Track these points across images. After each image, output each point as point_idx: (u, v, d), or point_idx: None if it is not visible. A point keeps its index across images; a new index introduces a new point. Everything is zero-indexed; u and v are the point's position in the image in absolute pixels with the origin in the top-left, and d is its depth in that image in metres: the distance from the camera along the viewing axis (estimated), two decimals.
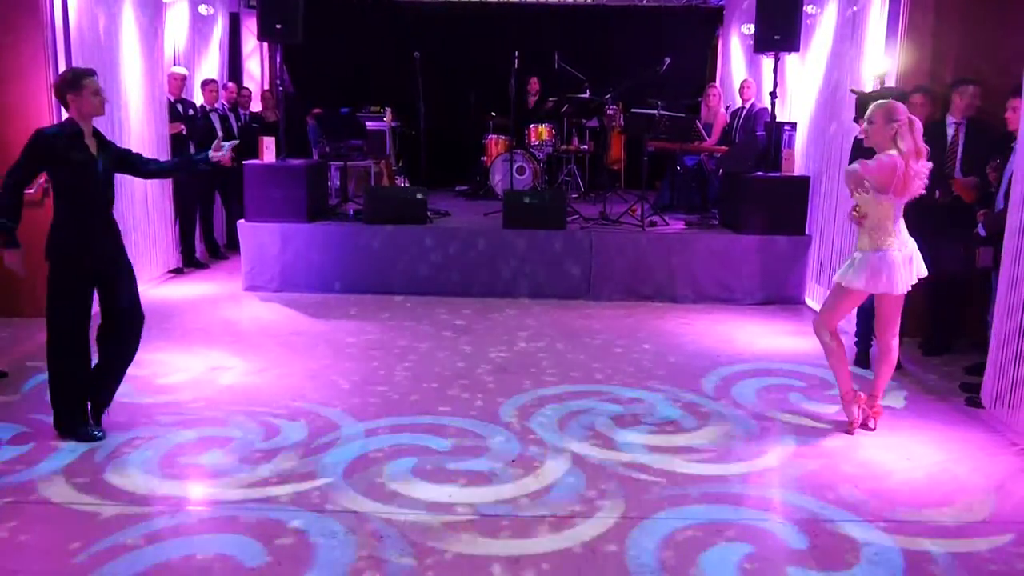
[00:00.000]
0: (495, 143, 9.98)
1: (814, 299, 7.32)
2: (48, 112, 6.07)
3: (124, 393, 4.75)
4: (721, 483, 3.82)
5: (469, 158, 10.75)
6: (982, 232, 5.12)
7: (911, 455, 4.17)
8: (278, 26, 7.13)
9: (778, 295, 7.32)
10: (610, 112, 9.48)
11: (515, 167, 9.36)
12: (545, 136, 9.53)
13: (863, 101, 5.36)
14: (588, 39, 11.48)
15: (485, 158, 10.10)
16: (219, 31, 9.62)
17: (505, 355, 5.66)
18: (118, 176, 4.22)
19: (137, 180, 7.25)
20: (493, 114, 10.39)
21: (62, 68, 6.85)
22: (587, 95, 9.63)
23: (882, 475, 3.94)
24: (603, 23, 11.79)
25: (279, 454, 4.02)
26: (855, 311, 5.39)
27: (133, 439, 4.14)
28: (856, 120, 5.40)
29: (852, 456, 4.14)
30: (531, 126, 9.63)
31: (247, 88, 9.98)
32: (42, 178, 6.04)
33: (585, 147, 10.34)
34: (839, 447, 4.25)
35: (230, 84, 9.41)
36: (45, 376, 4.96)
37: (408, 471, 3.85)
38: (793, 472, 3.96)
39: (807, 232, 7.37)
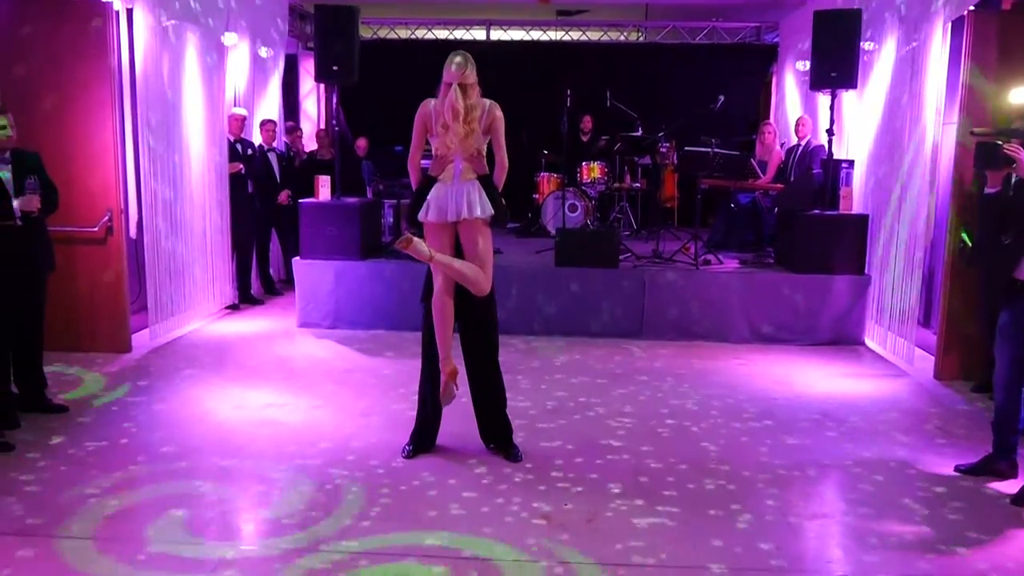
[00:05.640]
0: (547, 181, 10.00)
1: (874, 340, 7.12)
2: (113, 153, 6.25)
3: (178, 432, 4.82)
4: (783, 533, 3.69)
5: (521, 195, 10.78)
6: None
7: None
8: (335, 68, 7.29)
9: (836, 336, 7.12)
10: (663, 150, 9.44)
11: (567, 205, 9.35)
12: (597, 174, 9.50)
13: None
14: (641, 77, 11.48)
15: (537, 195, 10.12)
16: (278, 73, 9.86)
17: (559, 394, 5.59)
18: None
19: (196, 217, 7.44)
20: (545, 152, 10.42)
21: (128, 110, 7.10)
22: (640, 133, 9.61)
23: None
24: (656, 61, 11.80)
25: (332, 505, 3.94)
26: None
27: (187, 487, 4.18)
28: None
29: (920, 509, 3.97)
30: (583, 164, 9.62)
31: (300, 128, 10.24)
32: (105, 216, 6.25)
33: (638, 185, 10.30)
34: (904, 495, 4.08)
35: (299, 130, 9.66)
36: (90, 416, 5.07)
37: (456, 518, 3.80)
38: (852, 523, 3.81)
39: (866, 272, 7.19)
